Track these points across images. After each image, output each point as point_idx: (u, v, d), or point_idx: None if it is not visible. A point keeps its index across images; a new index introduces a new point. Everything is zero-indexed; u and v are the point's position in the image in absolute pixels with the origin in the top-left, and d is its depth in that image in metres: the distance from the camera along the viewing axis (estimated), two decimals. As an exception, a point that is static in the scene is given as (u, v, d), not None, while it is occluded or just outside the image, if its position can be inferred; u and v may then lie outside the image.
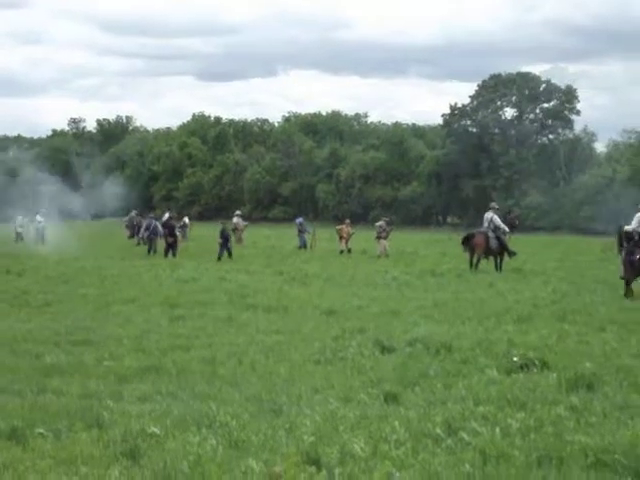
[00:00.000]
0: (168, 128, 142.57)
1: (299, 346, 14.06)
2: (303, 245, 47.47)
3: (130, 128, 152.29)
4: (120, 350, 13.79)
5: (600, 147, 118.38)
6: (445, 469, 7.34)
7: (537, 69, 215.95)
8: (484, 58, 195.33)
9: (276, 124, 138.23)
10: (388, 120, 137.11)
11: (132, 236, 55.40)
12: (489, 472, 7.22)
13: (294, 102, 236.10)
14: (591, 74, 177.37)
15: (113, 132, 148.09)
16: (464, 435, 8.26)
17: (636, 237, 22.70)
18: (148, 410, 9.53)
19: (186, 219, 57.69)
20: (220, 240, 39.21)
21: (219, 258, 37.84)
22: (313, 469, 7.36)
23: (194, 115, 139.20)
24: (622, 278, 22.85)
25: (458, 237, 36.67)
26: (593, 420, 8.86)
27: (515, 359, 11.99)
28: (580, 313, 18.08)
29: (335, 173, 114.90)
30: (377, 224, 43.68)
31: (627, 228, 22.98)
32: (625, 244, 22.97)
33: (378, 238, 42.06)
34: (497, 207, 33.81)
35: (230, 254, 38.64)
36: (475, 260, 31.30)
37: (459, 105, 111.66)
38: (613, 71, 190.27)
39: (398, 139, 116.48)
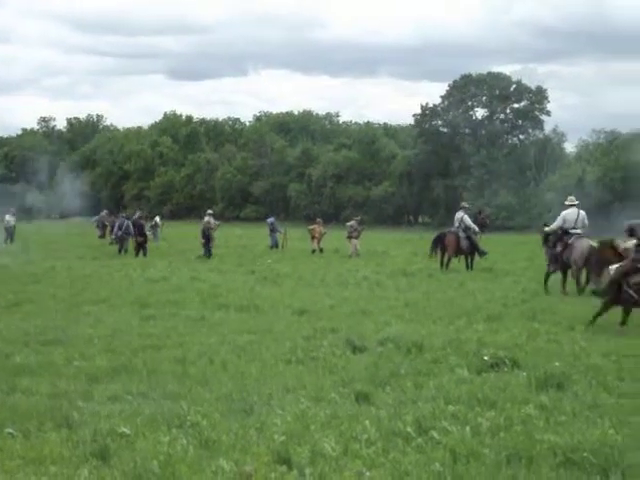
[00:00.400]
0: (139, 127, 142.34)
1: (271, 346, 14.05)
2: (275, 245, 47.45)
3: (100, 127, 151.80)
4: (90, 350, 13.73)
5: (570, 147, 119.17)
6: (415, 468, 7.37)
7: (508, 69, 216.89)
8: (456, 58, 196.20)
9: (247, 123, 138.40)
10: (359, 120, 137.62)
11: (103, 236, 55.07)
12: (459, 471, 7.25)
13: (265, 101, 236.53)
14: (560, 75, 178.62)
15: (83, 131, 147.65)
16: (434, 434, 8.29)
17: (559, 232, 23.80)
18: (118, 410, 9.51)
19: (157, 218, 57.35)
20: (202, 240, 39.33)
21: (208, 256, 38.08)
22: (284, 468, 7.38)
23: (165, 114, 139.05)
24: (550, 273, 24.04)
25: (430, 236, 36.73)
26: (562, 419, 8.91)
27: (485, 358, 12.04)
28: (549, 312, 18.18)
29: (307, 173, 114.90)
30: (348, 224, 43.71)
31: (547, 230, 24.40)
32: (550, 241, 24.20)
33: (349, 238, 42.07)
34: (468, 207, 33.88)
35: (210, 254, 38.62)
36: (446, 260, 31.41)
37: (430, 105, 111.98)
38: (583, 72, 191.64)
39: (370, 139, 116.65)
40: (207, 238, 39.35)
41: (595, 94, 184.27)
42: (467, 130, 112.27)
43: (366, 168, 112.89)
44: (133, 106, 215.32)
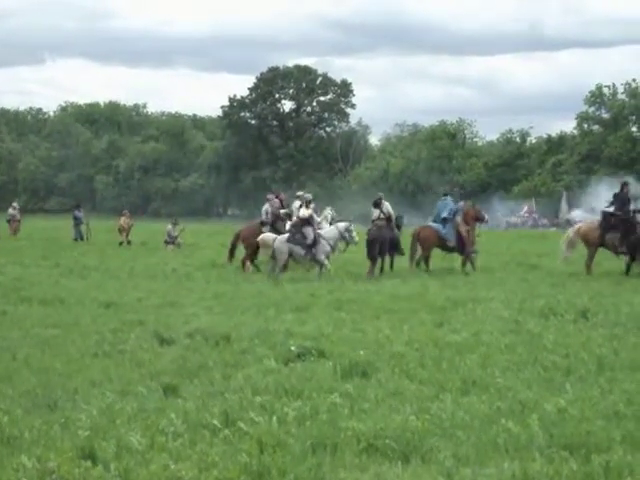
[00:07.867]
0: None
1: (76, 340, 13.79)
2: (79, 237, 46.70)
3: None
4: None
5: (375, 140, 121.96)
6: (222, 459, 7.39)
7: (304, 63, 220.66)
8: (251, 50, 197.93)
9: (51, 114, 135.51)
10: (165, 111, 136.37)
11: None
12: (265, 461, 7.31)
13: (64, 91, 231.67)
14: (356, 68, 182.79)
15: None
16: (242, 425, 8.33)
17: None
18: None
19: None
20: None
21: None
22: (89, 464, 7.28)
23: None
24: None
25: (238, 228, 36.71)
26: (366, 406, 9.10)
27: (293, 348, 12.16)
28: (356, 302, 18.44)
29: (114, 164, 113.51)
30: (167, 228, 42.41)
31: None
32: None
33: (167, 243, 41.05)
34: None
35: None
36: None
37: (238, 97, 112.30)
38: (379, 66, 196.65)
39: (178, 130, 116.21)
40: None
41: (393, 88, 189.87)
42: (275, 122, 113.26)
43: (174, 160, 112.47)
44: None
